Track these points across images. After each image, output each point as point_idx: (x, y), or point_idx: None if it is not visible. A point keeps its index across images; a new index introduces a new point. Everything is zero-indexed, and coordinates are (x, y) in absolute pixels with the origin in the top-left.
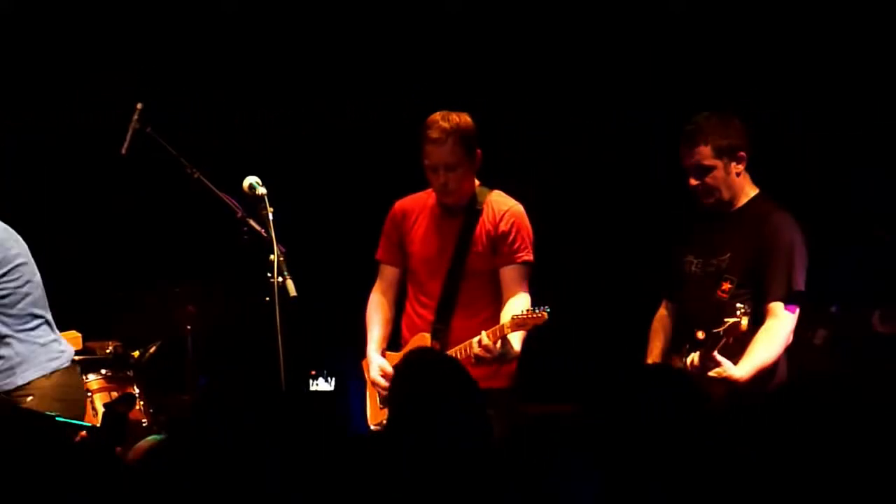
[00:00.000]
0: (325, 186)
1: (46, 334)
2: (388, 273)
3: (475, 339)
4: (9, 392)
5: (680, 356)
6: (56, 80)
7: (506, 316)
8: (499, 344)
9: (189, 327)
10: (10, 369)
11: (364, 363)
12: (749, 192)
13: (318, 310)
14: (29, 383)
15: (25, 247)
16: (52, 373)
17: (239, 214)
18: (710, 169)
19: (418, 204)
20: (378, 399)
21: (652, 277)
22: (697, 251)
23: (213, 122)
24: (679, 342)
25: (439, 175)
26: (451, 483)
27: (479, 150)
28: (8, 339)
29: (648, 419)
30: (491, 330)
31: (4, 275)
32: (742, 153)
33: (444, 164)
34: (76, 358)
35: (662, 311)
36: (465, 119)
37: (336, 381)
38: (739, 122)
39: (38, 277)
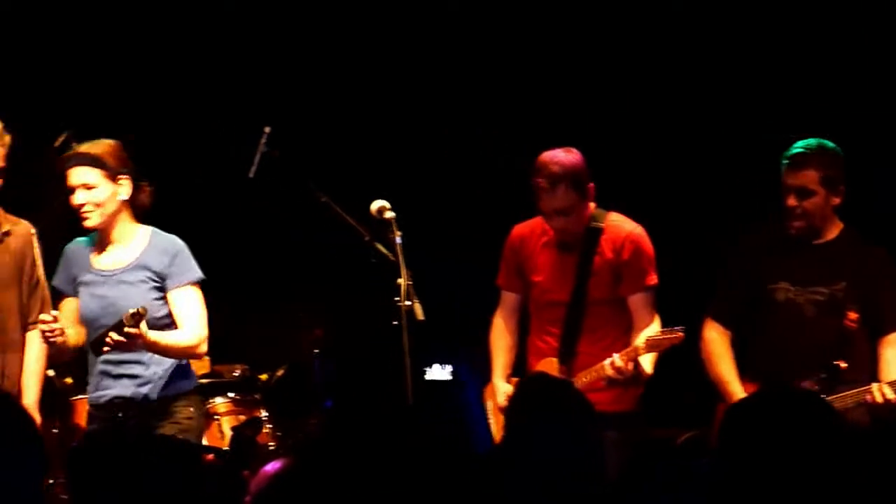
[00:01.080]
0: (453, 209)
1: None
2: (509, 299)
3: (607, 362)
4: (170, 397)
5: (812, 381)
6: (185, 101)
7: (640, 339)
8: (631, 365)
9: (316, 351)
10: (151, 383)
11: (487, 390)
12: (838, 224)
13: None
14: (190, 392)
15: None
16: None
17: (367, 238)
18: (812, 194)
19: (536, 230)
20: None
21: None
22: (795, 279)
23: (341, 146)
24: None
25: (553, 220)
26: None
27: (591, 185)
28: (144, 357)
29: (793, 446)
30: (624, 352)
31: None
32: (842, 188)
33: (558, 210)
34: (203, 381)
35: (715, 335)
36: (573, 159)
37: (452, 370)
38: (842, 159)
39: None
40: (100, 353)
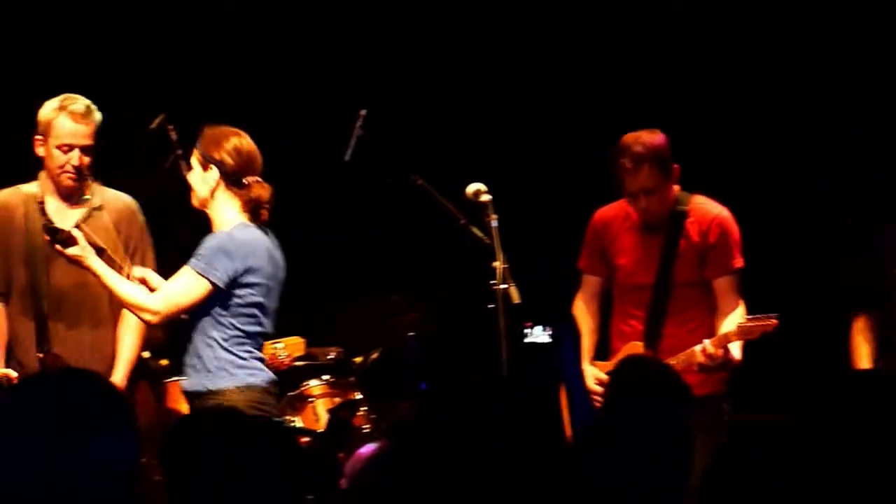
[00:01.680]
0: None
1: (251, 355)
2: (591, 282)
3: (698, 348)
4: (198, 394)
5: None
6: (282, 85)
7: (729, 324)
8: (721, 352)
9: (411, 333)
10: (209, 372)
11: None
12: None
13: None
14: (220, 391)
15: (273, 269)
16: (247, 387)
17: (462, 221)
18: None
19: (620, 214)
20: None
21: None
22: None
23: (437, 129)
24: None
25: (639, 200)
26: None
27: (675, 166)
28: (211, 343)
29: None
30: (715, 338)
31: (246, 285)
32: None
33: (642, 190)
34: (298, 364)
35: (862, 324)
36: (657, 140)
37: (552, 332)
38: None
39: (271, 303)
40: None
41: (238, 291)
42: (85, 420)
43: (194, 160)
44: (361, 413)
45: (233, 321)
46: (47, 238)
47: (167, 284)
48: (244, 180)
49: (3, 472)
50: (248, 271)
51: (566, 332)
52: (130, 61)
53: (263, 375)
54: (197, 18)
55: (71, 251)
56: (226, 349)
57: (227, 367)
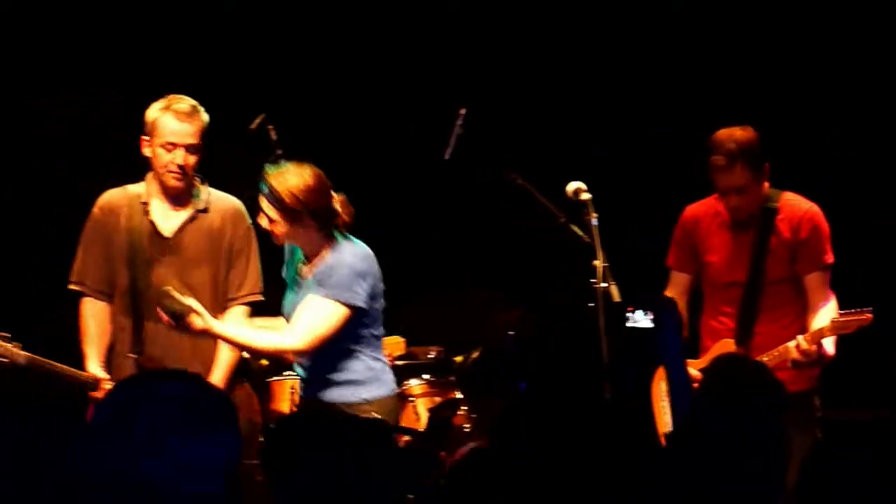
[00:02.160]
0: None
1: (385, 359)
2: (679, 279)
3: (792, 344)
4: (351, 404)
5: None
6: (382, 84)
7: (821, 320)
8: (815, 347)
9: (511, 333)
10: (360, 382)
11: (657, 375)
12: None
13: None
14: (376, 399)
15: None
16: (394, 393)
17: (562, 220)
18: None
19: (709, 211)
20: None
21: None
22: None
23: (537, 127)
24: None
25: (730, 198)
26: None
27: (766, 164)
28: (359, 355)
29: None
30: (809, 333)
31: (377, 296)
32: None
33: (734, 189)
34: (399, 363)
35: None
36: (750, 137)
37: (654, 317)
38: None
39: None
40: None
41: (374, 304)
42: (185, 420)
43: (272, 213)
44: (462, 412)
45: (371, 331)
46: (171, 322)
47: (304, 316)
48: (332, 209)
49: (105, 472)
50: (375, 282)
51: (668, 317)
52: (233, 61)
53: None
54: (298, 17)
55: (196, 325)
56: (373, 358)
57: (378, 376)
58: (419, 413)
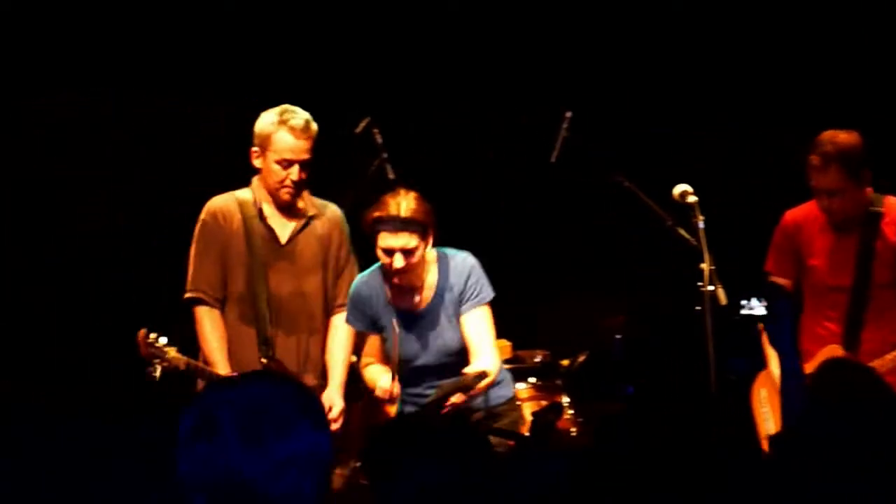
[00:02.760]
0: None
1: None
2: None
3: None
4: (498, 405)
5: None
6: (488, 87)
7: None
8: None
9: (618, 336)
10: (504, 381)
11: (760, 377)
12: None
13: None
14: (508, 399)
15: None
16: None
17: (669, 223)
18: None
19: (810, 215)
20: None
21: None
22: None
23: (643, 130)
24: None
25: (821, 199)
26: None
27: (866, 171)
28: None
29: None
30: None
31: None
32: None
33: (826, 191)
34: (505, 367)
35: None
36: (850, 141)
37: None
38: None
39: None
40: (435, 413)
41: None
42: (273, 418)
43: (414, 241)
44: (568, 416)
45: None
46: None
47: (479, 338)
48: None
49: (201, 473)
50: None
51: (783, 304)
52: (337, 65)
53: None
54: (406, 21)
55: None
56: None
57: (506, 376)
58: (524, 417)
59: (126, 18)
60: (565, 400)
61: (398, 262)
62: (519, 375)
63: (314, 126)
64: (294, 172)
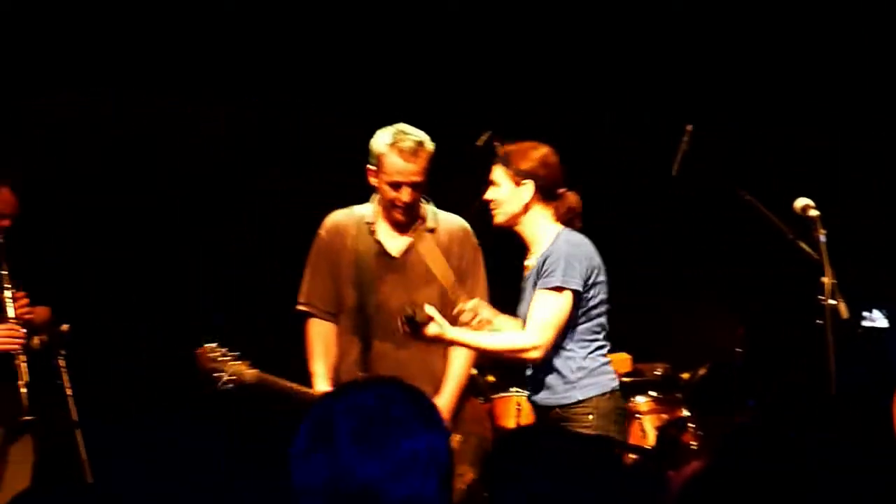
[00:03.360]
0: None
1: (604, 357)
2: None
3: None
4: (565, 406)
5: None
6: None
7: None
8: None
9: (738, 349)
10: (572, 383)
11: None
12: None
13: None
14: (589, 399)
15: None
16: (612, 393)
17: (790, 236)
18: None
19: None
20: None
21: None
22: None
23: (764, 142)
24: None
25: None
26: None
27: None
28: (571, 353)
29: None
30: None
31: (594, 284)
32: None
33: None
34: (625, 380)
35: None
36: None
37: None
38: None
39: (607, 303)
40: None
41: (589, 294)
42: (389, 421)
43: (501, 177)
44: (690, 430)
45: (586, 327)
46: (406, 328)
47: (533, 312)
48: (558, 191)
49: (318, 481)
50: (594, 271)
51: None
52: (460, 77)
53: (617, 378)
54: (528, 35)
55: (430, 332)
56: (586, 356)
57: (590, 375)
58: (646, 430)
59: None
60: (685, 413)
61: (486, 193)
62: (639, 388)
63: (428, 148)
64: (405, 194)
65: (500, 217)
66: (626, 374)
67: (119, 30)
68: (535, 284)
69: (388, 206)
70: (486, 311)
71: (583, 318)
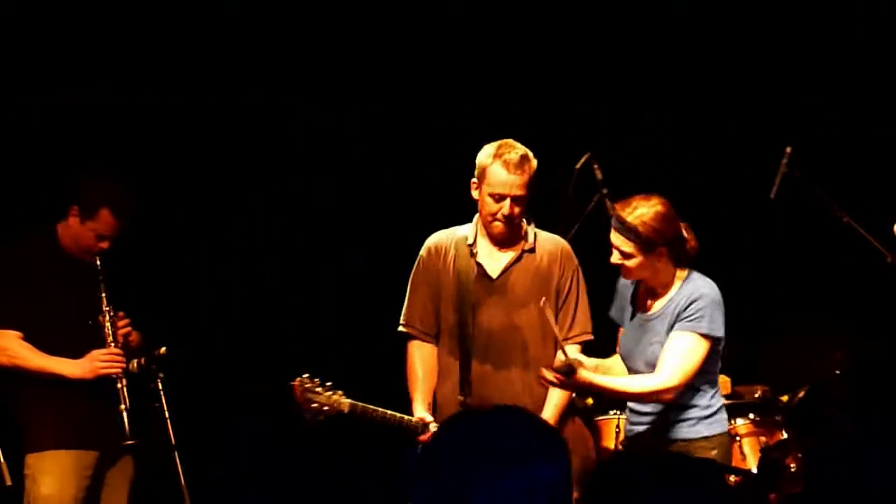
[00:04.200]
0: None
1: (719, 392)
2: None
3: None
4: (689, 441)
5: None
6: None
7: None
8: None
9: (837, 372)
10: (700, 419)
11: None
12: None
13: None
14: (714, 436)
15: None
16: (726, 432)
17: (889, 259)
18: None
19: None
20: None
21: None
22: None
23: (863, 165)
24: None
25: None
26: None
27: None
28: (702, 392)
29: None
30: None
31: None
32: None
33: None
34: (725, 402)
35: None
36: None
37: None
38: None
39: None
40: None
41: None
42: (510, 449)
43: (628, 247)
44: (791, 452)
45: (713, 367)
46: (562, 378)
47: (670, 354)
48: (682, 238)
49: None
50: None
51: None
52: (561, 99)
53: None
54: (627, 58)
55: (583, 378)
56: (714, 395)
57: (716, 413)
58: (745, 452)
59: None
60: (785, 435)
61: (614, 257)
62: (738, 411)
63: (532, 162)
64: (506, 207)
65: (630, 277)
66: (726, 397)
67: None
68: (670, 326)
69: (489, 221)
70: (588, 361)
71: (711, 362)
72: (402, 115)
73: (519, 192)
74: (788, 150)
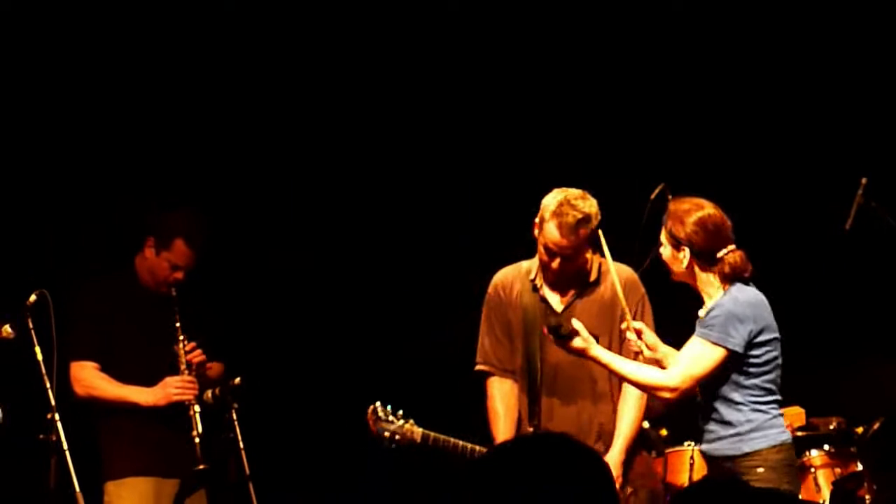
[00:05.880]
0: None
1: (776, 410)
2: None
3: None
4: (733, 458)
5: None
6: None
7: None
8: None
9: None
10: (739, 435)
11: None
12: None
13: None
14: (757, 452)
15: (776, 325)
16: (781, 445)
17: None
18: None
19: None
20: None
21: None
22: None
23: None
24: None
25: None
26: None
27: None
28: (740, 406)
29: None
30: None
31: (762, 343)
32: None
33: None
34: (799, 434)
35: None
36: None
37: None
38: None
39: (780, 358)
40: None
41: (756, 352)
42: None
43: (664, 238)
44: (865, 485)
45: (756, 381)
46: (550, 336)
47: (679, 358)
48: (716, 255)
49: None
50: (761, 331)
51: None
52: (630, 129)
53: (788, 431)
54: (698, 92)
55: (575, 344)
56: (755, 409)
57: (759, 427)
58: (820, 485)
59: None
60: (859, 467)
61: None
62: (813, 442)
63: (589, 225)
64: (556, 262)
65: (673, 274)
66: (800, 428)
67: None
68: (697, 328)
69: (543, 266)
70: (651, 336)
71: (750, 376)
72: (476, 148)
73: (570, 253)
74: (864, 180)
